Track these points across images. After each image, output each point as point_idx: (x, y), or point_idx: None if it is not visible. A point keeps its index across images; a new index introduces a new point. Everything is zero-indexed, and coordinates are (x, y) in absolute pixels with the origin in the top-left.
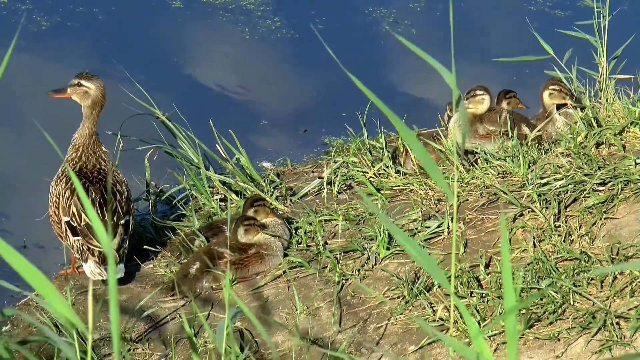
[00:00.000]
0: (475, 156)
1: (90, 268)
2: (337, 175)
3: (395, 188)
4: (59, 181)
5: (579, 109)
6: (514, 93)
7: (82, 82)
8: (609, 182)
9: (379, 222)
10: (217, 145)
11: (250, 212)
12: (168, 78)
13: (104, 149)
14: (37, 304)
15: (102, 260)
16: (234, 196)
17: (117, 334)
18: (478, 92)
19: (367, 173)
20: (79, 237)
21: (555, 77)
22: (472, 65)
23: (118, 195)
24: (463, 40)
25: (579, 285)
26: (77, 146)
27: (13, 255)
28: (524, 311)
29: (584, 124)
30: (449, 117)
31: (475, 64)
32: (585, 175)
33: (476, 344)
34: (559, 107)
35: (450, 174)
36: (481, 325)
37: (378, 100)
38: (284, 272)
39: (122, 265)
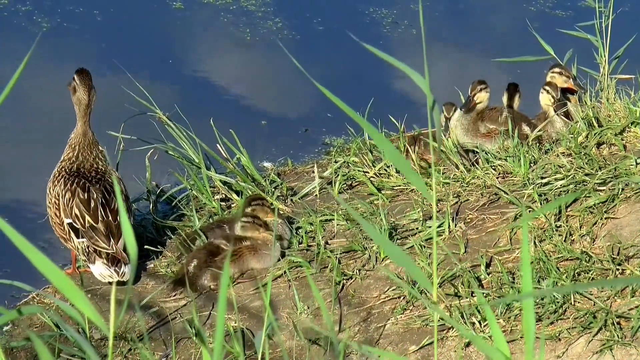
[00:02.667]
0: (476, 155)
1: (99, 270)
2: (338, 175)
3: (396, 188)
4: (56, 182)
5: (579, 107)
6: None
7: (75, 76)
8: (610, 182)
9: (379, 221)
10: (217, 145)
11: (248, 211)
12: (169, 78)
13: (100, 148)
14: (37, 303)
15: (111, 262)
16: (234, 196)
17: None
18: (483, 85)
19: (368, 173)
20: (84, 239)
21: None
22: (471, 66)
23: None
24: (462, 40)
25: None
26: (72, 145)
27: (33, 252)
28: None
29: (585, 123)
30: (446, 118)
31: (474, 64)
32: (586, 175)
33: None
34: (564, 91)
35: (450, 174)
36: (482, 325)
37: (345, 106)
38: (285, 272)
39: (130, 265)
